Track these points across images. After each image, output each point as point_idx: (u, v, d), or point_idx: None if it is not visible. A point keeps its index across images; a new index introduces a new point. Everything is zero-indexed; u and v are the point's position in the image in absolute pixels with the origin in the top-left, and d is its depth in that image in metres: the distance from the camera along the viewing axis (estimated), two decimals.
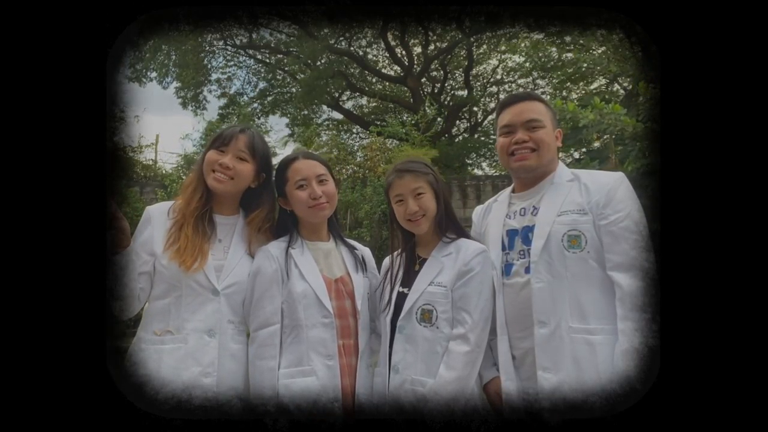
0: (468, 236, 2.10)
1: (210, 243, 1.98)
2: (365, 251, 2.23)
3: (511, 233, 2.01)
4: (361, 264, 2.13)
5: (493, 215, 2.14)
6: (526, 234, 1.96)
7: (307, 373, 1.87)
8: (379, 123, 16.09)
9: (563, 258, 1.85)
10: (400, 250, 2.12)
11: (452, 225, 2.07)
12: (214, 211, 2.05)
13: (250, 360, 1.92)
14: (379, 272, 2.21)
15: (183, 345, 1.87)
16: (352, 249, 2.16)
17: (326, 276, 2.01)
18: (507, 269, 1.97)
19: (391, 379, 1.91)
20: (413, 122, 11.40)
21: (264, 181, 2.12)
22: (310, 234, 2.10)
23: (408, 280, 2.03)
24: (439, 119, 12.85)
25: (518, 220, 2.02)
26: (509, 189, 2.18)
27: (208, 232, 1.99)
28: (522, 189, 2.09)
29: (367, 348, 2.02)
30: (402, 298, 1.99)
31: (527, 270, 1.90)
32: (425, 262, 2.03)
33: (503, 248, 2.01)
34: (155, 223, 1.99)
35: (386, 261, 2.17)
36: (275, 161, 2.22)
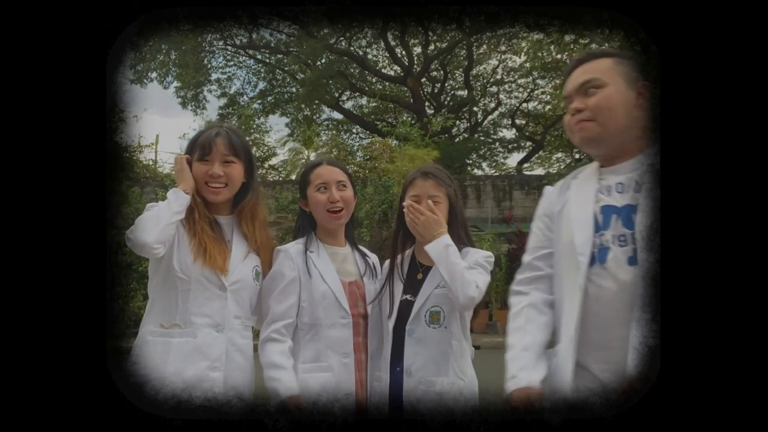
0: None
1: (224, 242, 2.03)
2: (374, 260, 2.31)
3: (606, 210, 1.55)
4: (371, 270, 2.20)
5: (577, 190, 1.66)
6: (628, 215, 1.50)
7: (324, 369, 1.95)
8: (383, 123, 16.09)
9: None
10: (400, 258, 2.12)
11: (461, 240, 2.05)
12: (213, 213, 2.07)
13: (259, 343, 1.96)
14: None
15: (191, 339, 1.88)
16: (364, 255, 2.25)
17: (342, 279, 2.08)
18: (601, 254, 1.50)
19: (405, 383, 1.93)
20: (413, 122, 11.44)
21: (249, 172, 2.11)
22: (327, 237, 2.16)
23: (411, 288, 2.03)
24: (438, 118, 12.89)
25: (616, 197, 1.55)
26: (595, 163, 1.69)
27: (223, 231, 2.04)
28: (609, 163, 1.63)
29: (377, 350, 2.07)
30: (406, 305, 2.00)
31: (631, 260, 1.46)
32: (429, 270, 2.02)
33: (597, 228, 1.54)
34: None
35: (385, 265, 2.18)
36: (275, 161, 2.25)
